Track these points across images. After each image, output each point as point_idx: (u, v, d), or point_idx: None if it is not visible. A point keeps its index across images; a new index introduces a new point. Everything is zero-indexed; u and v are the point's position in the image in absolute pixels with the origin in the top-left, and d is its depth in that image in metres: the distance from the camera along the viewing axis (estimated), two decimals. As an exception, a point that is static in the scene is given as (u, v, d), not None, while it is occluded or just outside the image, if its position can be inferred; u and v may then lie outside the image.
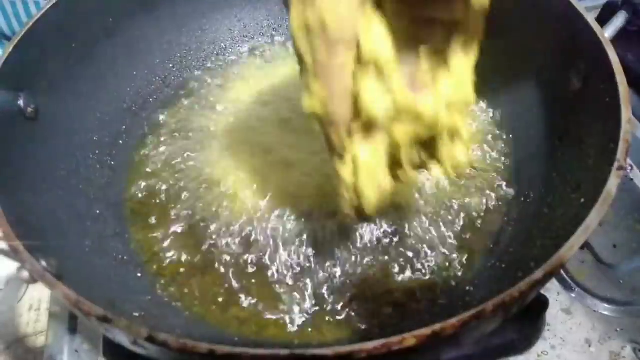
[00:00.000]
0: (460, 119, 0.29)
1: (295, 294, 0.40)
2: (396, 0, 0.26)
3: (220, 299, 0.41)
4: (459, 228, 0.44)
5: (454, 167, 0.31)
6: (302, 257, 0.42)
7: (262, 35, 0.63)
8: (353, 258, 0.42)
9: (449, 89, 0.28)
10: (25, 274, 0.30)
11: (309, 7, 0.24)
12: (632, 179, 0.49)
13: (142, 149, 0.52)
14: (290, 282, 0.41)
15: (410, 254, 0.42)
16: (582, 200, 0.33)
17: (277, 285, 0.41)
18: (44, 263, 0.30)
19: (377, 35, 0.25)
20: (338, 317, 0.39)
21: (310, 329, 0.39)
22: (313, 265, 0.42)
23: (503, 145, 0.49)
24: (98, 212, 0.44)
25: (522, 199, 0.44)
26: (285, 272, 0.42)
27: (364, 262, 0.42)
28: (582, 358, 0.42)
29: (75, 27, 0.47)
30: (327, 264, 0.42)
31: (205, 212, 0.46)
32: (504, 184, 0.46)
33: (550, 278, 0.28)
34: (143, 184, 0.48)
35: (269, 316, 0.40)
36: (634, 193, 0.48)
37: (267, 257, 0.42)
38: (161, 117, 0.55)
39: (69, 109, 0.46)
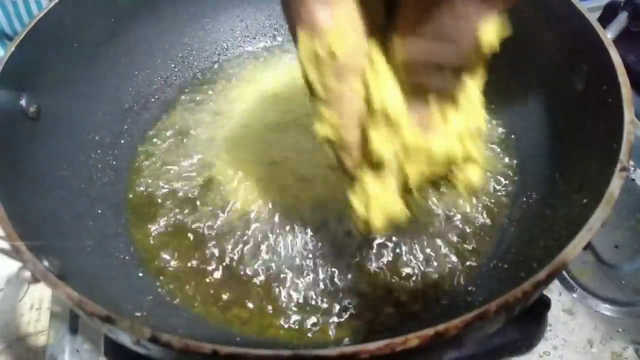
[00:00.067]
0: (473, 144, 0.29)
1: (297, 294, 0.40)
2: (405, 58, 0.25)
3: (221, 299, 0.41)
4: (460, 228, 0.44)
5: (466, 188, 0.31)
6: (303, 257, 0.42)
7: (263, 35, 0.63)
8: (355, 259, 0.42)
9: (460, 123, 0.28)
10: (27, 274, 0.30)
11: (316, 39, 0.24)
12: (633, 180, 0.49)
13: (144, 149, 0.52)
14: (292, 283, 0.41)
15: (411, 254, 0.42)
16: (585, 201, 0.33)
17: (278, 286, 0.41)
18: (46, 263, 0.30)
19: (388, 91, 0.25)
20: (340, 318, 0.39)
21: (312, 329, 0.39)
22: (315, 266, 0.42)
23: (505, 146, 0.49)
24: (99, 211, 0.44)
25: (525, 199, 0.44)
26: (287, 272, 0.41)
27: (366, 262, 0.42)
28: (584, 358, 0.42)
29: (77, 27, 0.47)
30: (329, 264, 0.42)
31: (206, 213, 0.46)
32: (507, 184, 0.46)
33: (553, 279, 0.28)
34: (145, 183, 0.48)
35: (270, 316, 0.39)
36: (635, 193, 0.48)
37: (268, 257, 0.42)
38: (163, 117, 0.55)
39: (70, 109, 0.46)
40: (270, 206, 0.45)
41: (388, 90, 0.26)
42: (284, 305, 0.40)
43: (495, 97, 0.51)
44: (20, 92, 0.40)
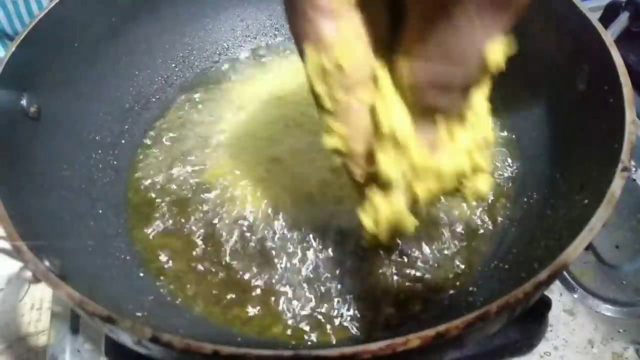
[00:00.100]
0: (482, 155, 0.29)
1: (298, 294, 0.40)
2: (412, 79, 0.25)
3: (222, 299, 0.41)
4: (461, 228, 0.44)
5: (475, 195, 0.31)
6: (305, 258, 0.42)
7: (264, 35, 0.63)
8: (356, 260, 0.42)
9: (468, 139, 0.28)
10: (28, 274, 0.30)
11: (322, 52, 0.24)
12: (634, 180, 0.49)
13: (145, 149, 0.52)
14: (293, 283, 0.41)
15: (413, 254, 0.42)
16: (586, 201, 0.33)
17: (280, 286, 0.41)
18: (47, 263, 0.30)
19: (396, 114, 0.26)
20: (341, 318, 0.39)
21: (313, 329, 0.39)
22: (315, 266, 0.42)
23: (506, 146, 0.49)
24: (100, 211, 0.44)
25: (526, 199, 0.44)
26: (288, 273, 0.41)
27: (367, 263, 0.42)
28: (585, 359, 0.43)
29: (78, 27, 0.47)
30: (330, 265, 0.42)
31: (207, 213, 0.46)
32: (507, 184, 0.46)
33: (554, 279, 0.28)
34: (145, 183, 0.48)
35: (271, 317, 0.39)
36: (637, 194, 0.48)
37: (269, 258, 0.42)
38: (163, 117, 0.55)
39: (71, 109, 0.46)
40: (270, 207, 0.45)
41: (396, 114, 0.26)
42: (285, 305, 0.40)
43: (496, 97, 0.51)
44: (21, 92, 0.40)
